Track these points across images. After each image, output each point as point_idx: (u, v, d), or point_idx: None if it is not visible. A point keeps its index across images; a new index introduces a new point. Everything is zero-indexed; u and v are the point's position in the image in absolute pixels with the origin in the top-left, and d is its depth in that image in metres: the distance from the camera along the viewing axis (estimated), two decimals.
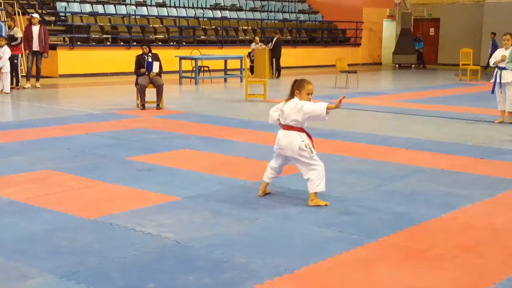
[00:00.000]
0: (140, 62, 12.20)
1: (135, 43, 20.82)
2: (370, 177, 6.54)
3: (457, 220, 5.06)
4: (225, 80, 19.53)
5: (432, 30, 29.88)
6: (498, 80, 10.56)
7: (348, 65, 19.35)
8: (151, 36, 21.76)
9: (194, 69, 18.43)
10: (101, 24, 21.12)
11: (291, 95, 5.44)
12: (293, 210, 5.30)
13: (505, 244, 4.49)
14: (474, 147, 8.32)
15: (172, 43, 22.52)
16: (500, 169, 7.01)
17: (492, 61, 10.83)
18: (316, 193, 5.43)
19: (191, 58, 18.58)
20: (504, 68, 10.41)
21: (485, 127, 10.26)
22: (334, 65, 19.04)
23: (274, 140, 8.72)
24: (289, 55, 24.31)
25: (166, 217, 5.06)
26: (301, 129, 5.46)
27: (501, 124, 10.50)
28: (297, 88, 5.41)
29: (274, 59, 20.72)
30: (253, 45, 20.74)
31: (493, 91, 10.77)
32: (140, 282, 3.74)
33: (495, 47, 24.08)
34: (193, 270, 3.92)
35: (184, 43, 22.77)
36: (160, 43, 22.03)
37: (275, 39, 20.93)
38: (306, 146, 5.40)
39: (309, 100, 5.39)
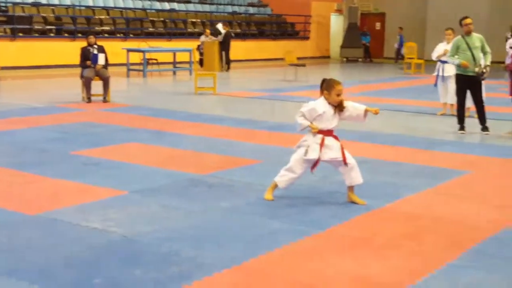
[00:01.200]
0: (85, 54, 11.99)
1: (80, 35, 20.44)
2: (318, 169, 6.59)
3: (401, 210, 5.18)
4: (174, 73, 19.40)
5: (378, 24, 30.35)
6: (440, 74, 10.85)
7: (297, 58, 19.48)
8: (97, 28, 21.39)
9: (142, 61, 18.23)
10: (44, 14, 20.63)
11: (320, 94, 5.29)
12: (241, 202, 5.32)
13: (446, 231, 4.62)
14: (417, 139, 8.51)
15: (119, 35, 22.21)
16: (442, 159, 7.20)
17: (434, 55, 11.08)
18: (275, 184, 5.43)
19: (139, 51, 18.37)
20: (446, 62, 10.66)
21: (428, 119, 10.51)
22: (283, 59, 19.13)
23: (223, 133, 8.77)
24: (239, 48, 24.29)
25: (112, 211, 5.00)
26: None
27: (443, 116, 10.78)
28: (326, 88, 5.21)
29: (223, 52, 20.68)
30: (202, 38, 20.64)
31: (436, 84, 11.05)
32: (86, 278, 3.69)
33: (401, 41, 25.81)
34: (141, 265, 3.89)
35: (131, 35, 22.49)
36: (106, 35, 21.68)
37: (224, 32, 20.87)
38: (305, 147, 5.30)
39: (339, 101, 5.22)
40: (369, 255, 4.13)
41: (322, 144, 5.23)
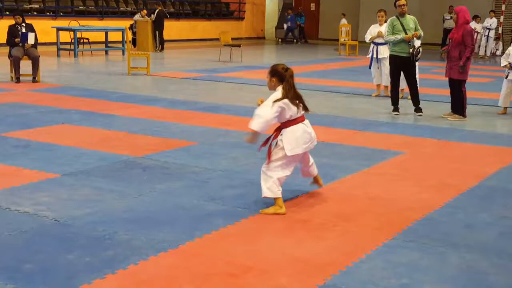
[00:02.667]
0: (13, 32, 11.54)
1: (7, 13, 19.62)
2: (254, 150, 6.57)
3: (337, 191, 5.23)
4: (106, 53, 18.93)
5: (312, 5, 30.55)
6: (374, 56, 10.98)
7: (232, 39, 19.36)
8: (25, 6, 20.61)
9: (72, 41, 17.71)
10: None
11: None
12: (177, 184, 5.24)
13: (381, 212, 4.69)
14: (352, 120, 8.61)
15: (48, 13, 21.47)
16: (376, 140, 7.32)
17: (368, 37, 11.20)
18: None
19: (69, 30, 17.83)
20: (380, 44, 10.81)
21: (362, 101, 10.65)
22: (218, 39, 18.99)
23: (157, 114, 8.62)
24: (173, 28, 23.95)
25: (44, 195, 4.84)
26: None
27: (378, 98, 10.95)
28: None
29: (157, 32, 20.32)
30: (136, 17, 20.21)
31: (370, 66, 11.18)
32: (16, 263, 3.55)
33: (292, 22, 27.16)
34: (74, 249, 3.78)
35: (61, 14, 21.79)
36: (35, 13, 20.92)
37: (157, 11, 20.51)
38: None
39: None
40: (306, 236, 4.15)
41: None
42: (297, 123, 4.66)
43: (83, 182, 5.22)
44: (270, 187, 4.59)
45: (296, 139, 4.62)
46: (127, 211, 4.53)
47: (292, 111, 4.60)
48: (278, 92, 4.59)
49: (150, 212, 4.54)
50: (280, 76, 4.62)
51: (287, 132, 4.63)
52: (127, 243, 3.91)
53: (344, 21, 25.62)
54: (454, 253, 3.90)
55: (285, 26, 27.54)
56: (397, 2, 9.09)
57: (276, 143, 4.67)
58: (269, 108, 4.52)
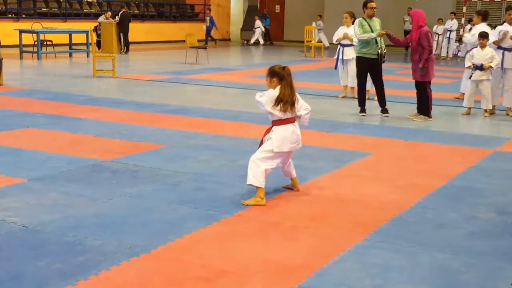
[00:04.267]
0: None
1: None
2: (224, 152, 6.58)
3: (308, 192, 5.24)
4: (71, 55, 18.67)
5: (277, 7, 30.66)
6: (340, 57, 11.06)
7: (198, 40, 19.29)
8: None
9: (36, 43, 17.42)
10: None
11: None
12: (147, 188, 5.19)
13: (352, 213, 4.72)
14: (320, 121, 8.63)
15: (10, 15, 21.10)
16: (344, 141, 7.37)
17: (335, 39, 11.27)
18: None
19: (32, 32, 17.54)
20: (347, 45, 10.90)
21: (329, 102, 10.71)
22: (183, 41, 18.91)
23: (125, 117, 8.52)
24: (138, 30, 23.75)
25: (11, 200, 4.74)
26: None
27: (344, 99, 11.03)
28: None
29: (121, 34, 20.13)
30: (101, 18, 19.99)
31: (336, 67, 11.26)
32: None
33: (212, 23, 26.75)
34: (44, 255, 3.71)
35: (23, 16, 21.43)
36: None
37: (121, 12, 20.32)
38: None
39: None
40: (279, 238, 4.15)
41: None
42: (288, 123, 4.94)
43: (51, 187, 5.13)
44: (257, 176, 4.81)
45: (285, 138, 4.89)
46: (97, 216, 4.46)
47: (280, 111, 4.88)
48: (277, 90, 4.89)
49: (121, 216, 4.48)
50: (279, 75, 4.92)
51: (277, 129, 4.91)
52: (98, 249, 3.85)
53: (258, 23, 25.83)
54: (426, 253, 3.94)
55: (204, 27, 27.20)
56: (369, 4, 9.15)
57: (268, 138, 4.95)
58: (264, 97, 4.91)
